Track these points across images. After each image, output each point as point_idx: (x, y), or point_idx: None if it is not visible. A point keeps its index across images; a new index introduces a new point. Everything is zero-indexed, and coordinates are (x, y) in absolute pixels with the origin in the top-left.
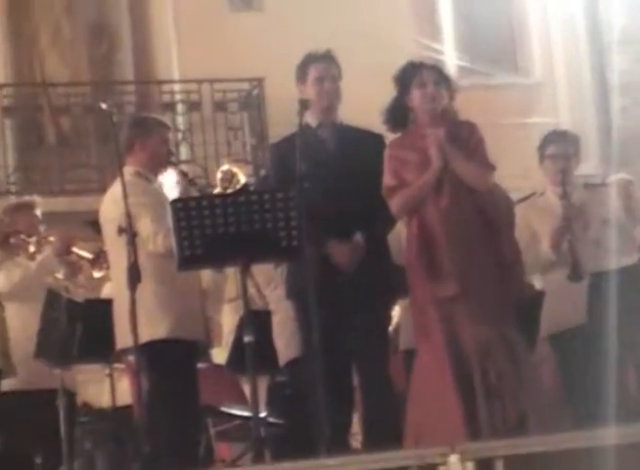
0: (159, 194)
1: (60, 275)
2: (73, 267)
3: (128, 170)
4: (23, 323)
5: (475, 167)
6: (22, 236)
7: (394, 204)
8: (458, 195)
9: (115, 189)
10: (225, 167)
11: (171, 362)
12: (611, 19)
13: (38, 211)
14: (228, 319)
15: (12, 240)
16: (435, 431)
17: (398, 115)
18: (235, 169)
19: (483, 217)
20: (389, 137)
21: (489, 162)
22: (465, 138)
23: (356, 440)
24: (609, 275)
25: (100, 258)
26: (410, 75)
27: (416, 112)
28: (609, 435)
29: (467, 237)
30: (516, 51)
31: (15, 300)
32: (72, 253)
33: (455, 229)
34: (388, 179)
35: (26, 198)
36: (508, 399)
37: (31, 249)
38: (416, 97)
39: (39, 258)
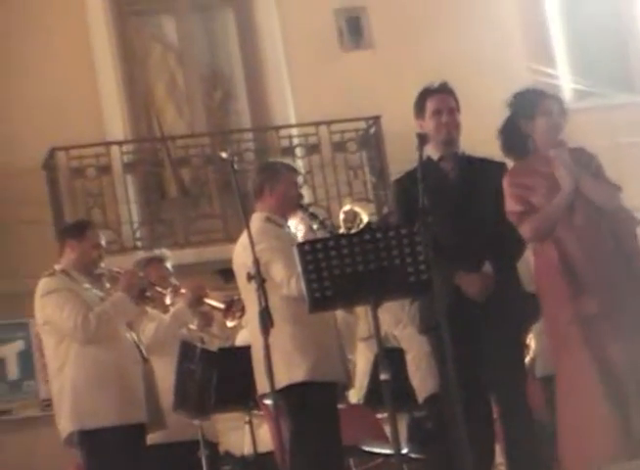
0: (290, 238)
1: (193, 326)
2: (206, 318)
3: (259, 216)
4: (162, 376)
5: (603, 187)
6: (158, 288)
7: (526, 229)
8: (590, 214)
9: (246, 235)
10: (347, 207)
11: (312, 405)
12: None
13: (169, 264)
14: (362, 359)
15: (148, 293)
16: (591, 452)
17: (517, 140)
18: (357, 209)
19: (614, 235)
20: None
21: (614, 183)
22: (586, 163)
23: None
24: None
25: (232, 307)
26: (534, 103)
27: (538, 139)
28: None
29: (603, 254)
30: (630, 69)
31: (152, 354)
32: (205, 303)
33: (592, 247)
34: (513, 206)
35: (156, 251)
36: None
37: (167, 301)
38: (541, 125)
39: (172, 310)
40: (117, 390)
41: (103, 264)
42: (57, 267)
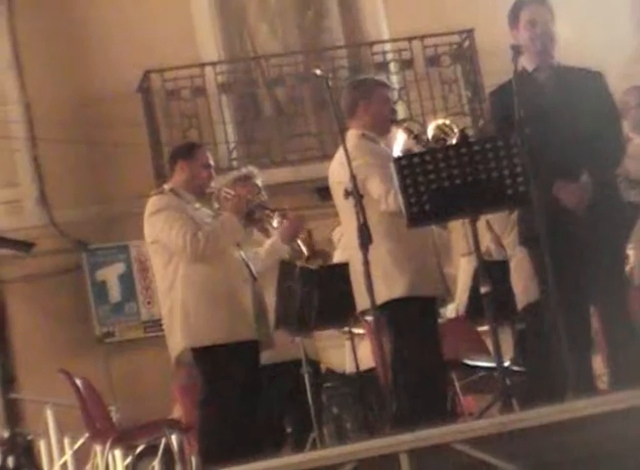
0: (386, 154)
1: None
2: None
3: (354, 133)
4: None
5: None
6: (267, 211)
7: None
8: None
9: (342, 152)
10: (432, 124)
11: (411, 320)
12: None
13: (259, 181)
14: (463, 274)
15: (256, 215)
16: None
17: None
18: (445, 121)
19: None
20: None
21: None
22: None
23: (602, 381)
24: None
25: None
26: None
27: None
28: None
29: None
30: None
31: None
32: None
33: None
34: None
35: (243, 169)
36: None
37: (274, 224)
38: None
39: (268, 243)
40: (227, 307)
41: (213, 184)
42: (166, 187)
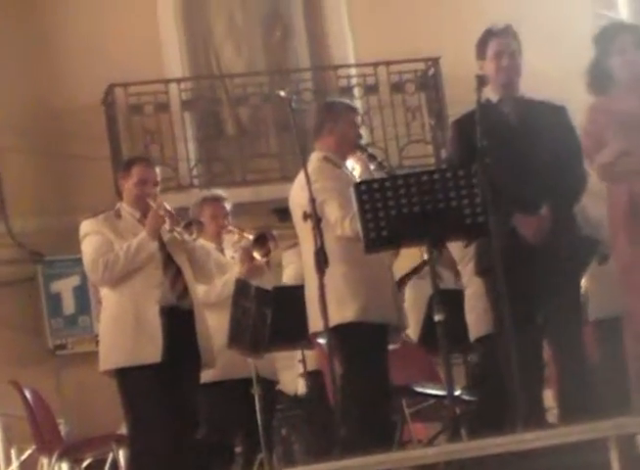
0: (347, 178)
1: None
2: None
3: (317, 156)
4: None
5: None
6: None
7: (594, 166)
8: None
9: (303, 174)
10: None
11: (360, 345)
12: None
13: (227, 205)
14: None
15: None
16: None
17: (599, 79)
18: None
19: None
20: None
21: None
22: None
23: (552, 414)
24: None
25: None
26: (609, 40)
27: (617, 77)
28: None
29: None
30: None
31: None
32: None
33: None
34: (584, 141)
35: (214, 190)
36: None
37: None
38: (616, 63)
39: (225, 278)
40: (131, 331)
41: (153, 202)
42: (118, 205)
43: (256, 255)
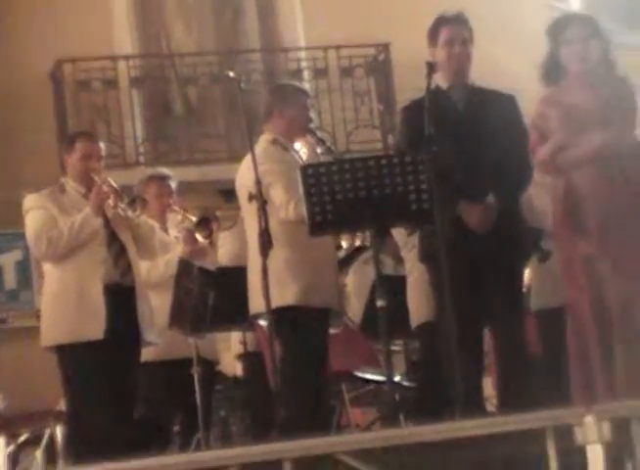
0: (294, 161)
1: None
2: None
3: (266, 138)
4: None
5: (601, 136)
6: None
7: (535, 158)
8: (606, 160)
9: (251, 156)
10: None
11: (301, 329)
12: None
13: (172, 184)
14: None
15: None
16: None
17: (551, 70)
18: None
19: (623, 172)
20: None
21: (628, 122)
22: (611, 96)
23: (491, 403)
24: None
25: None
26: (558, 32)
27: (566, 68)
28: None
29: (609, 193)
30: None
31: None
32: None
33: (598, 185)
34: (531, 133)
35: (159, 169)
36: None
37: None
38: (565, 55)
39: (167, 257)
40: (74, 307)
41: (98, 178)
42: (62, 180)
43: (199, 236)
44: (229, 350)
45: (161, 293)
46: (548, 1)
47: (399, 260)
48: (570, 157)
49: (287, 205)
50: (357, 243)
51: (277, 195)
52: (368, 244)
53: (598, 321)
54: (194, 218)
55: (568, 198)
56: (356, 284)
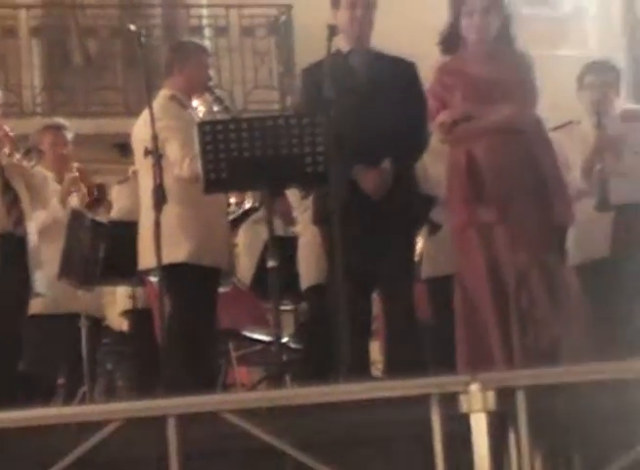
0: (191, 119)
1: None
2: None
3: (164, 93)
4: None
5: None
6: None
7: (437, 124)
8: (509, 132)
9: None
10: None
11: (190, 287)
12: None
13: (68, 134)
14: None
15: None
16: (489, 356)
17: (450, 39)
18: None
19: (528, 152)
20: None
21: (529, 97)
22: (511, 70)
23: (377, 368)
24: (635, 208)
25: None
26: (459, 2)
27: (464, 39)
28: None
29: (509, 164)
30: None
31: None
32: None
33: (499, 156)
34: (430, 101)
35: (55, 119)
36: (541, 325)
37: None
38: (464, 25)
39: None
40: None
41: None
42: None
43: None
44: (115, 304)
45: (52, 244)
46: None
47: (290, 222)
48: (473, 127)
49: (182, 161)
50: (247, 202)
51: (173, 151)
52: (257, 204)
53: (494, 290)
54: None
55: (469, 166)
56: (247, 244)
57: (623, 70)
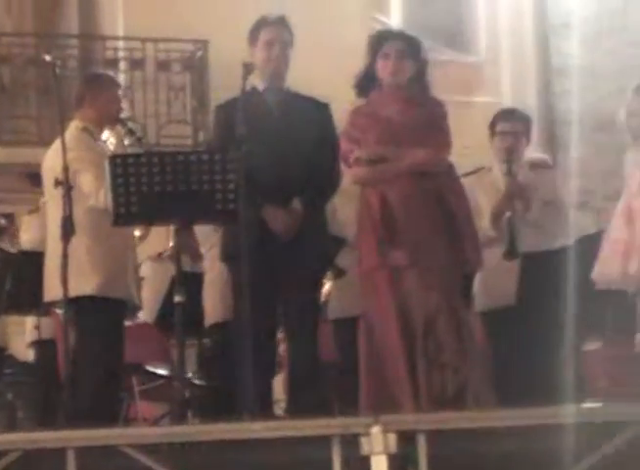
0: (103, 151)
1: None
2: None
3: (76, 125)
4: None
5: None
6: None
7: (354, 172)
8: (417, 176)
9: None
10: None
11: (97, 320)
12: (558, 1)
13: None
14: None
15: None
16: (393, 400)
17: (365, 82)
18: None
19: (441, 197)
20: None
21: (442, 142)
22: (426, 115)
23: (280, 407)
24: (543, 257)
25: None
26: (376, 45)
27: (380, 82)
28: (533, 415)
29: (421, 208)
30: (461, 28)
31: None
32: None
33: (411, 200)
34: (345, 145)
35: None
36: (448, 370)
37: None
38: (380, 68)
39: None
40: None
41: None
42: None
43: None
44: (22, 334)
45: None
46: (369, 13)
47: (197, 258)
48: (387, 169)
49: (97, 192)
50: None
51: (87, 182)
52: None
53: (403, 334)
54: None
55: (382, 209)
56: (152, 278)
57: (535, 117)
